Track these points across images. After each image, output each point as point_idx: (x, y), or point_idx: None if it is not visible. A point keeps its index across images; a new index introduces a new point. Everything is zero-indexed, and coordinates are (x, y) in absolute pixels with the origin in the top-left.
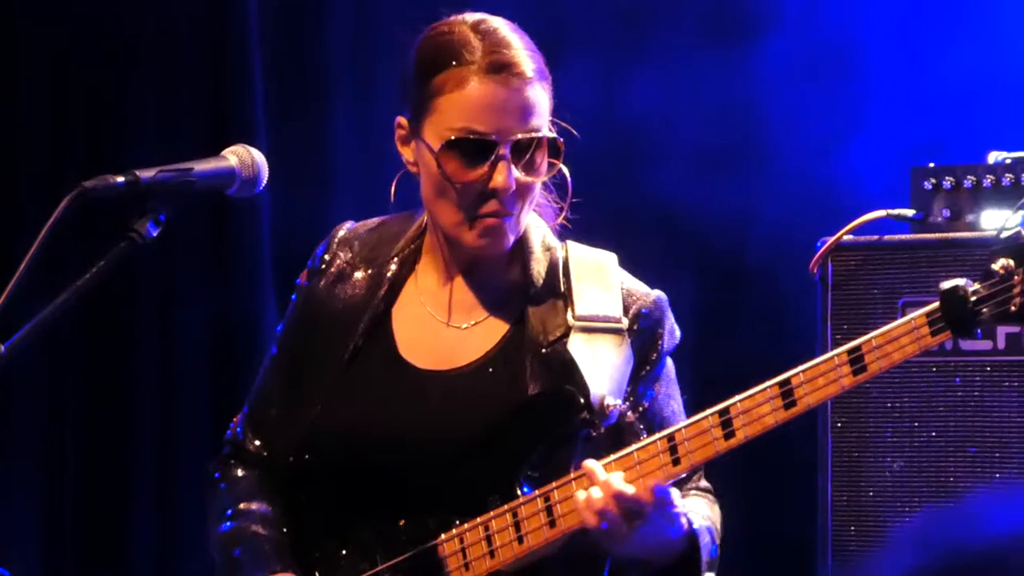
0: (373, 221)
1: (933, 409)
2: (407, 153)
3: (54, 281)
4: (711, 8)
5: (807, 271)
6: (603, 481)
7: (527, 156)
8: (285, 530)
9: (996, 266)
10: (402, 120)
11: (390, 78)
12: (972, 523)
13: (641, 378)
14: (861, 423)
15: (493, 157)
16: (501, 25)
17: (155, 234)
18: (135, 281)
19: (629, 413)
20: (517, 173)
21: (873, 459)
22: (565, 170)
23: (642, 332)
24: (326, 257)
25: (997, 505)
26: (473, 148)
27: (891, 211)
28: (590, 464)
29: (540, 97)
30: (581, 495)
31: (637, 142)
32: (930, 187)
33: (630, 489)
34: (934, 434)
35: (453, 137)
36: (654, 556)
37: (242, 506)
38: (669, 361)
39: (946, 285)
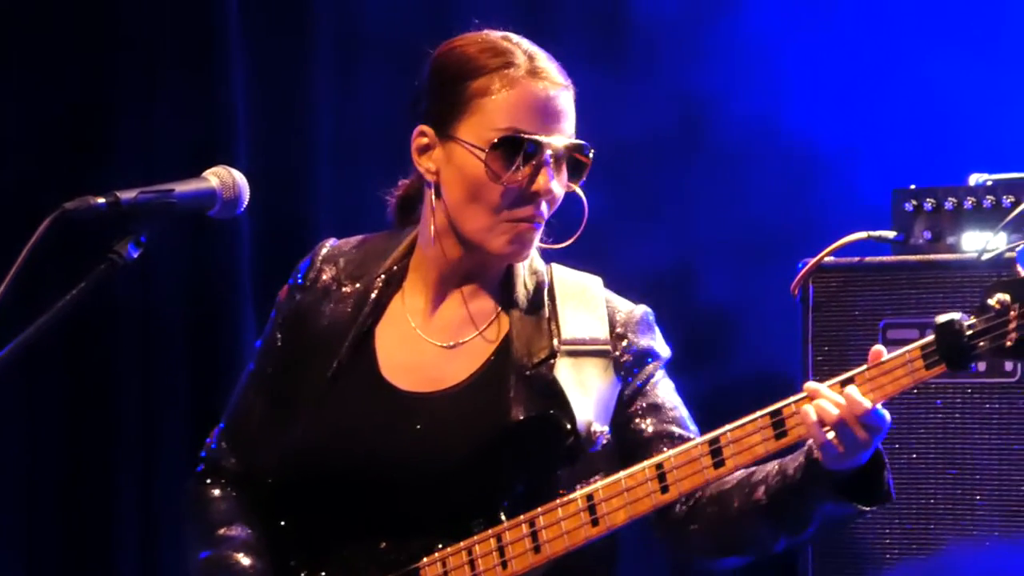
0: (356, 238)
1: (914, 431)
2: (428, 162)
3: (34, 302)
4: (690, 29)
5: (788, 292)
6: (843, 394)
7: (559, 163)
8: (266, 555)
9: (992, 301)
10: (425, 129)
11: (372, 97)
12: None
13: (629, 394)
14: None
15: (538, 159)
16: (525, 39)
17: (136, 255)
18: (114, 294)
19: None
20: (555, 182)
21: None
22: (581, 193)
23: (629, 349)
24: (310, 274)
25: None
26: (520, 148)
27: (872, 233)
28: (814, 386)
29: (572, 107)
30: (810, 410)
31: (621, 165)
32: (911, 209)
33: (867, 402)
34: (915, 456)
35: (502, 136)
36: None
37: (221, 531)
38: (662, 374)
39: (942, 319)
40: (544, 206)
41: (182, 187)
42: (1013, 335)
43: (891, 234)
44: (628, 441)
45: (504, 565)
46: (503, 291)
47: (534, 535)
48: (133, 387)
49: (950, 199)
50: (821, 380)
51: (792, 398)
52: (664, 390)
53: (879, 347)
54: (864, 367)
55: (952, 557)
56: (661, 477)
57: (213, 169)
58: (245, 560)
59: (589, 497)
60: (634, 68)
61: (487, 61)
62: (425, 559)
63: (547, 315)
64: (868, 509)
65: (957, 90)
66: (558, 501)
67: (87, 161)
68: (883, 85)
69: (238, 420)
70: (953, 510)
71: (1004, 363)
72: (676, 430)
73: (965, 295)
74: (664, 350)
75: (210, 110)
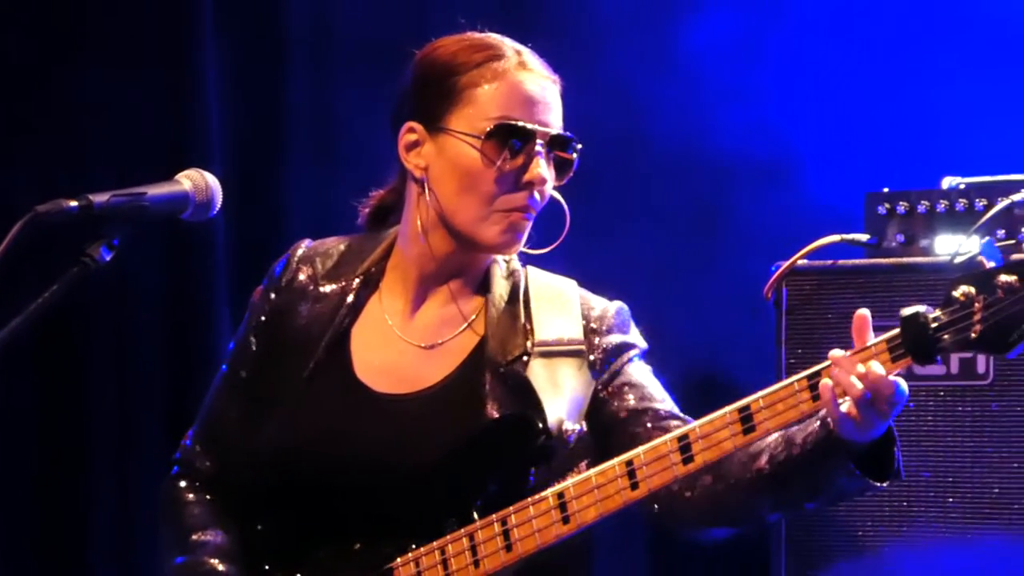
0: (333, 239)
1: None
2: (416, 158)
3: (7, 306)
4: (662, 34)
5: (761, 296)
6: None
7: (548, 155)
8: (239, 560)
9: (956, 293)
10: (414, 125)
11: (346, 99)
12: None
13: (604, 379)
14: None
15: (531, 147)
16: (508, 38)
17: (108, 258)
18: (89, 297)
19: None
20: (548, 172)
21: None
22: (561, 198)
23: (604, 345)
24: (285, 275)
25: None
26: (515, 136)
27: (845, 236)
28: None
29: (559, 101)
30: (829, 383)
31: (593, 168)
32: (884, 212)
33: (882, 370)
34: None
35: (497, 124)
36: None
37: (195, 537)
38: (639, 361)
39: (906, 312)
40: (536, 196)
41: (154, 190)
42: (978, 327)
43: (864, 237)
44: (607, 424)
45: (476, 564)
46: (481, 292)
47: (506, 534)
48: (108, 390)
49: (923, 202)
50: None
51: (759, 393)
52: (639, 371)
53: (863, 312)
54: (827, 363)
55: (926, 556)
56: (631, 474)
57: (186, 172)
58: (220, 566)
59: (560, 495)
60: (602, 69)
61: (475, 56)
62: (399, 559)
63: (522, 315)
64: (880, 485)
65: (930, 94)
66: (529, 500)
67: (59, 164)
68: (856, 89)
69: (212, 422)
70: (926, 512)
71: (976, 365)
72: (657, 405)
73: (938, 298)
74: (640, 342)
75: (184, 113)
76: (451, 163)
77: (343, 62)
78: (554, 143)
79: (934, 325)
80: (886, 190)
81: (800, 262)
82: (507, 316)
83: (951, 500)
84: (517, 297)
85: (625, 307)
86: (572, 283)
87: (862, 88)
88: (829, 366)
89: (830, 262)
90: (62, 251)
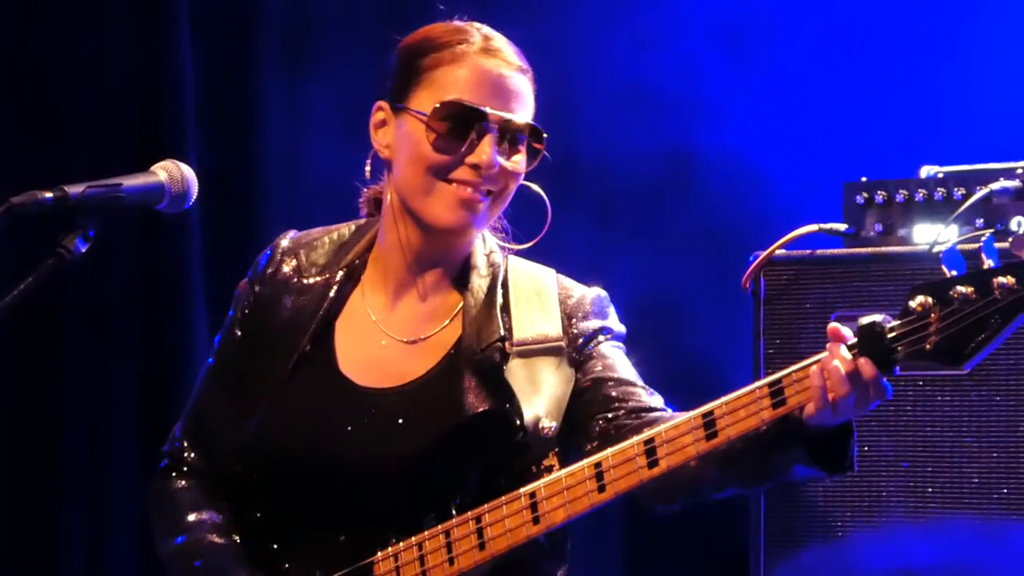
0: (318, 230)
1: (865, 424)
2: (382, 137)
3: None
4: (643, 26)
5: (739, 286)
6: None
7: (510, 142)
8: (236, 538)
9: (913, 303)
10: (382, 104)
11: (320, 90)
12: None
13: (583, 360)
14: None
15: (480, 130)
16: (487, 26)
17: (84, 250)
18: (63, 289)
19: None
20: (500, 157)
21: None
22: (539, 190)
23: (580, 333)
24: (270, 267)
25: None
26: (463, 117)
27: (823, 225)
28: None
29: (527, 91)
30: (818, 374)
31: (574, 161)
32: (862, 201)
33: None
34: (867, 449)
35: (443, 103)
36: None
37: (192, 517)
38: (613, 343)
39: (864, 321)
40: (489, 180)
41: (130, 181)
42: (933, 339)
43: (842, 227)
44: (575, 394)
45: (451, 562)
46: (461, 284)
47: (480, 532)
48: (81, 381)
49: (901, 192)
50: (772, 373)
51: (723, 399)
52: (609, 348)
53: (835, 325)
54: (791, 368)
55: (904, 545)
56: (599, 476)
57: (161, 163)
58: (219, 539)
59: (532, 495)
60: (584, 58)
61: (444, 39)
62: (379, 553)
63: (499, 307)
64: (831, 475)
65: (908, 83)
66: (503, 498)
67: (35, 156)
68: (834, 78)
69: (198, 415)
70: (905, 502)
71: (962, 368)
72: (621, 375)
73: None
74: (617, 327)
75: (160, 103)
76: (406, 139)
77: (320, 52)
78: (512, 130)
79: (890, 335)
80: (864, 179)
81: (778, 252)
82: (485, 306)
83: (930, 490)
84: (495, 289)
85: (603, 293)
86: (551, 272)
87: (840, 77)
88: (790, 374)
89: (808, 252)
90: (37, 243)
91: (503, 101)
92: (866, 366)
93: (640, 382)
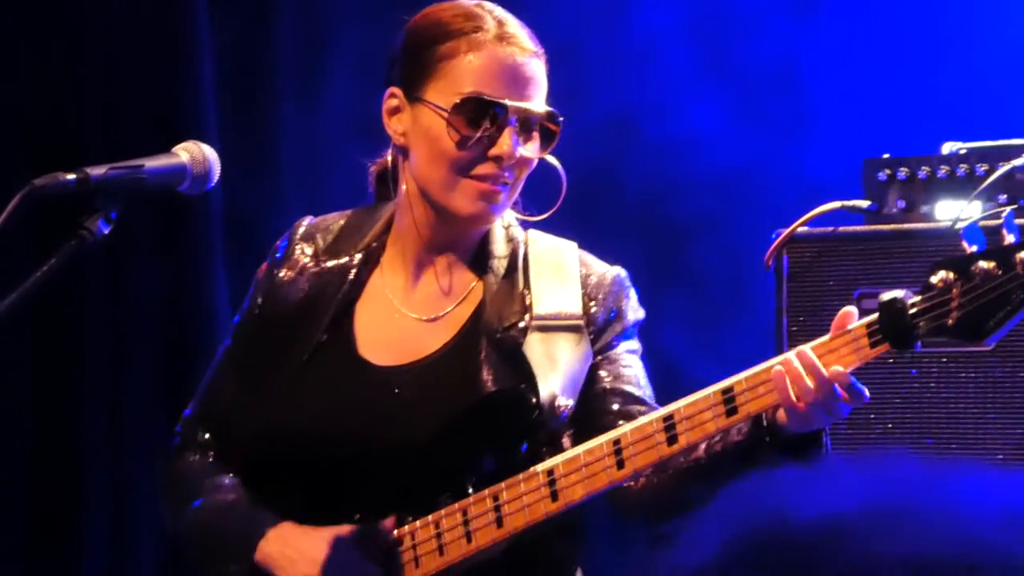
0: (334, 215)
1: (889, 401)
2: (397, 124)
3: (5, 280)
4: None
5: (762, 263)
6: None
7: (528, 128)
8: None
9: (935, 279)
10: (395, 90)
11: (337, 70)
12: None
13: (600, 349)
14: None
15: (500, 123)
16: (498, 7)
17: (106, 231)
18: (85, 268)
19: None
20: (519, 144)
21: (830, 451)
22: (557, 163)
23: (599, 313)
24: (288, 252)
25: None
26: (483, 111)
27: (846, 202)
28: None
29: (542, 75)
30: (784, 377)
31: (596, 139)
32: (884, 178)
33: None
34: (890, 425)
35: (464, 98)
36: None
37: (207, 481)
38: (634, 335)
39: (885, 297)
40: (509, 170)
41: (152, 163)
42: (955, 314)
43: (864, 204)
44: (587, 397)
45: (468, 538)
46: (479, 261)
47: (497, 509)
48: (101, 364)
49: (923, 168)
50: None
51: (742, 374)
52: (624, 350)
53: (850, 308)
54: (811, 344)
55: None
56: (617, 452)
57: (183, 144)
58: (234, 495)
59: (549, 472)
60: (601, 27)
61: (457, 26)
62: (396, 532)
63: (520, 283)
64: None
65: (930, 59)
66: (521, 476)
67: (56, 139)
68: (856, 55)
69: (213, 396)
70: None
71: (983, 345)
72: (628, 388)
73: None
74: (633, 313)
75: (179, 87)
76: (423, 132)
77: (337, 33)
78: (529, 118)
79: (912, 311)
80: (886, 156)
81: (800, 229)
82: (506, 284)
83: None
84: (516, 265)
85: (624, 273)
86: (573, 247)
87: (862, 54)
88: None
89: (830, 229)
90: (59, 224)
91: (520, 90)
92: (834, 372)
93: (647, 397)
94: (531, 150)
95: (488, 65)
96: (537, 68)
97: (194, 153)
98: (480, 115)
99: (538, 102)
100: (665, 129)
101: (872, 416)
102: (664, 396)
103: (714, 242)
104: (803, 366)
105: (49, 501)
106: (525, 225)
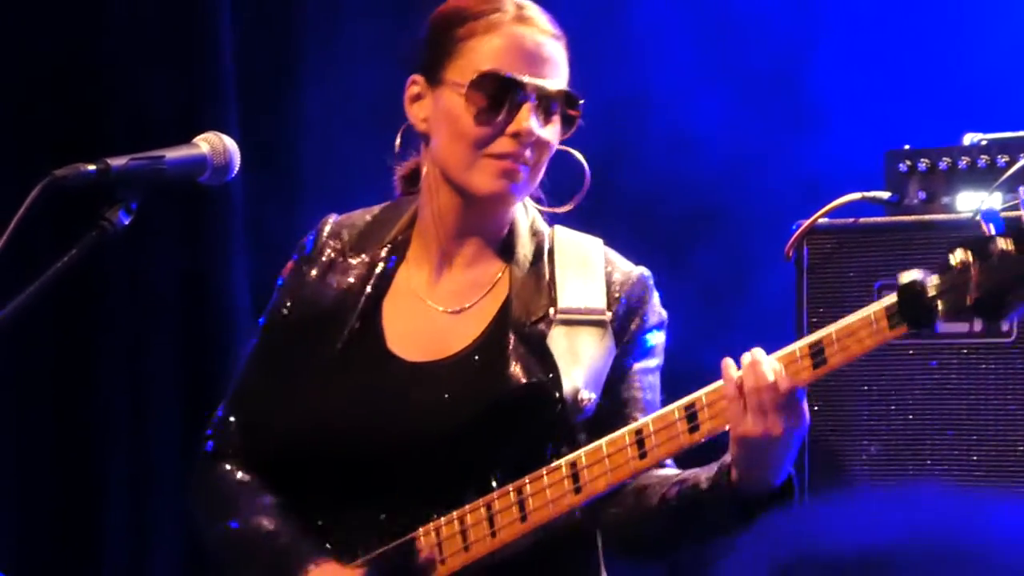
0: (359, 211)
1: (910, 392)
2: (419, 111)
3: (25, 271)
4: None
5: (782, 254)
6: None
7: (548, 110)
8: (289, 517)
9: (953, 260)
10: (416, 77)
11: (360, 59)
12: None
13: (622, 355)
14: (838, 406)
15: (519, 100)
16: None
17: (126, 222)
18: (105, 262)
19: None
20: (538, 125)
21: (850, 442)
22: (581, 157)
23: (625, 313)
24: (315, 249)
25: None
26: (501, 87)
27: (866, 194)
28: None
29: (562, 57)
30: (750, 370)
31: (612, 128)
32: (905, 169)
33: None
34: (911, 417)
35: (482, 74)
36: (773, 471)
37: (244, 500)
38: (655, 338)
39: (904, 279)
40: (529, 149)
41: (172, 153)
42: (973, 294)
43: (885, 195)
44: (605, 402)
45: (493, 534)
46: (505, 252)
47: (521, 504)
48: (120, 355)
49: (944, 159)
50: None
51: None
52: (642, 364)
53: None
54: (830, 328)
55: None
56: (640, 443)
57: (203, 135)
58: (273, 524)
59: (572, 464)
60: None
61: (476, 9)
62: (420, 529)
63: (546, 277)
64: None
65: (951, 50)
66: (544, 469)
67: (77, 129)
68: (876, 45)
69: (244, 397)
70: (950, 471)
71: (1002, 323)
72: (636, 413)
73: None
74: (655, 314)
75: (200, 76)
76: (443, 113)
77: (358, 20)
78: (548, 97)
79: (931, 293)
80: (907, 147)
81: (821, 220)
82: (532, 277)
83: (975, 458)
84: (542, 257)
85: (648, 274)
86: (598, 243)
87: (882, 45)
88: (832, 339)
89: (851, 220)
90: (80, 215)
91: (539, 68)
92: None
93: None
94: (550, 132)
95: (507, 44)
96: (556, 50)
97: (214, 144)
98: (498, 91)
99: (556, 82)
100: (676, 121)
101: (893, 408)
102: (669, 391)
103: (735, 233)
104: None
105: (69, 493)
106: (550, 220)
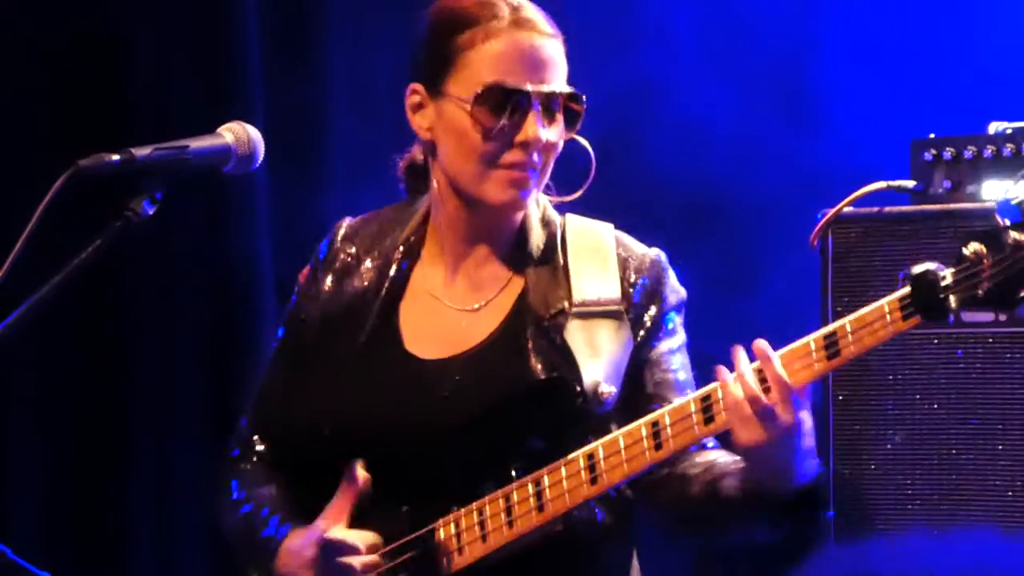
0: (372, 213)
1: (935, 382)
2: (421, 120)
3: (50, 261)
4: None
5: (807, 243)
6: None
7: (552, 112)
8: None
9: (967, 251)
10: (416, 86)
11: (387, 49)
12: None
13: (643, 341)
14: (863, 396)
15: (523, 108)
16: None
17: (151, 212)
18: (131, 253)
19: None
20: (543, 128)
21: (875, 432)
22: (586, 143)
23: (641, 298)
24: (329, 255)
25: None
26: (505, 99)
27: (891, 183)
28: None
29: (560, 56)
30: (731, 383)
31: (631, 114)
32: (930, 158)
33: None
34: (936, 407)
35: (485, 88)
36: (783, 477)
37: (255, 491)
38: (675, 319)
39: (917, 269)
40: (536, 154)
41: (197, 143)
42: (985, 284)
43: (910, 184)
44: (631, 391)
45: (511, 524)
46: (518, 247)
47: (538, 495)
48: (150, 348)
49: (969, 148)
50: None
51: (777, 352)
52: (667, 344)
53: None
54: (844, 320)
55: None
56: (655, 435)
57: (228, 125)
58: (274, 505)
59: (590, 456)
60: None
61: (472, 15)
62: (440, 521)
63: (560, 268)
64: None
65: (976, 38)
66: (562, 461)
67: (102, 119)
68: (901, 34)
69: (265, 405)
70: (975, 460)
71: (1015, 313)
72: (669, 394)
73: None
74: (674, 294)
75: (225, 67)
76: (448, 127)
77: (384, 9)
78: (550, 100)
79: (943, 283)
80: (932, 136)
81: (846, 209)
82: (546, 270)
83: (1000, 447)
84: (555, 248)
85: (662, 256)
86: (609, 228)
87: (907, 33)
88: (845, 333)
89: (876, 209)
90: (104, 205)
91: (540, 73)
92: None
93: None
94: (555, 133)
95: (506, 52)
96: (555, 50)
97: (238, 134)
98: (503, 103)
99: (559, 83)
100: (688, 110)
101: (918, 397)
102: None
103: (761, 222)
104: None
105: (95, 493)
106: (561, 209)
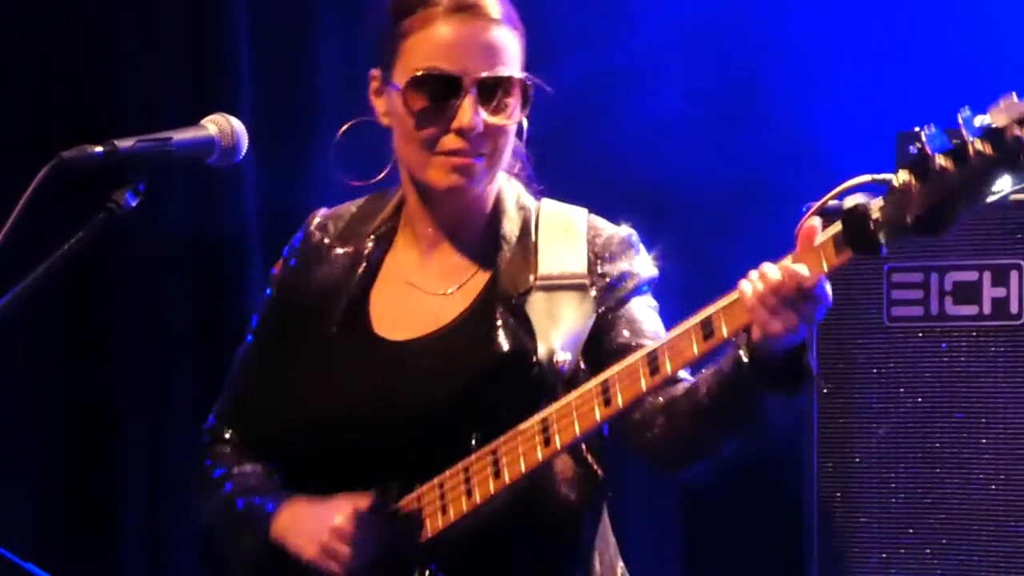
0: (346, 204)
1: (919, 375)
2: (380, 105)
3: (33, 253)
4: None
5: (792, 237)
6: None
7: (495, 97)
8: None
9: (896, 182)
10: (375, 72)
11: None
12: None
13: (603, 311)
14: (847, 389)
15: (457, 96)
16: None
17: (134, 204)
18: (119, 241)
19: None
20: (485, 114)
21: (859, 425)
22: (524, 121)
23: (607, 272)
24: (302, 244)
25: None
26: (437, 86)
27: (876, 176)
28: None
29: (508, 40)
30: (747, 287)
31: (617, 104)
32: (916, 151)
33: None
34: (920, 400)
35: (415, 75)
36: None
37: (235, 469)
38: (646, 291)
39: (848, 203)
40: (478, 140)
41: (180, 135)
42: (915, 212)
43: None
44: (602, 354)
45: (468, 493)
46: (492, 232)
47: (495, 462)
48: (141, 339)
49: (955, 141)
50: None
51: (720, 303)
52: (638, 305)
53: (815, 223)
54: (775, 264)
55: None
56: (605, 391)
57: (211, 117)
58: (255, 480)
59: (543, 420)
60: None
61: (414, 1)
62: (404, 499)
63: (531, 249)
64: (797, 396)
65: (961, 31)
66: (515, 429)
67: (89, 114)
68: (887, 26)
69: (236, 393)
70: (959, 454)
71: (1009, 305)
72: (647, 342)
73: (970, 237)
74: (645, 269)
75: (214, 61)
76: (395, 114)
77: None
78: (489, 87)
79: (874, 216)
80: (917, 129)
81: (831, 203)
82: (519, 251)
83: (984, 441)
84: (528, 231)
85: (633, 233)
86: (583, 211)
87: (893, 25)
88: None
89: None
90: (87, 197)
91: (478, 59)
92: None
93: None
94: (501, 120)
95: (442, 38)
96: (500, 35)
97: (222, 125)
98: (434, 89)
99: (500, 69)
100: (670, 102)
101: (902, 391)
102: None
103: (745, 215)
104: (768, 282)
105: (87, 479)
106: (537, 193)
